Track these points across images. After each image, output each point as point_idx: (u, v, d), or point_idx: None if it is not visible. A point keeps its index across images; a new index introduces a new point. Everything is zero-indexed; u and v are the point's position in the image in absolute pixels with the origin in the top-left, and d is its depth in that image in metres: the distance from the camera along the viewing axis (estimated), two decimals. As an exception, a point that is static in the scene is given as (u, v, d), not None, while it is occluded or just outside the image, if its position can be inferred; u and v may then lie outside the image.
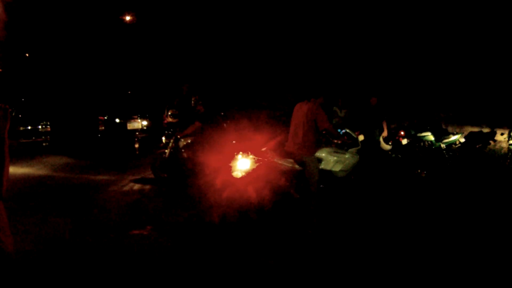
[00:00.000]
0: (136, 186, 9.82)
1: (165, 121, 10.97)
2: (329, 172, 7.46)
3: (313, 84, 7.61)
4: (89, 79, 25.05)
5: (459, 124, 14.25)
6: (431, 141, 11.22)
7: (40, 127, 32.20)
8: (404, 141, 11.34)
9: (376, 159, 10.90)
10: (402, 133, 11.45)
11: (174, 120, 10.63)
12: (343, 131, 8.30)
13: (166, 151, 10.26)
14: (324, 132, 6.96)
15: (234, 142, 8.40)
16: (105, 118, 20.80)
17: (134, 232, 6.11)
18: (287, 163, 7.21)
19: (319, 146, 7.30)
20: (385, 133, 11.33)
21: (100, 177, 11.10)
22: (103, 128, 20.81)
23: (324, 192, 7.47)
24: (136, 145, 11.12)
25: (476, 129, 13.30)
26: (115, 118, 20.39)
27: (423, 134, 11.42)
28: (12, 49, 26.72)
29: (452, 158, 10.87)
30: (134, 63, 27.72)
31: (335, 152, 7.44)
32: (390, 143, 11.39)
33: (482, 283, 4.42)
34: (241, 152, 7.06)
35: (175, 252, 5.34)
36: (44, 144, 21.43)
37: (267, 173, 6.93)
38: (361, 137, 9.83)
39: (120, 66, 27.53)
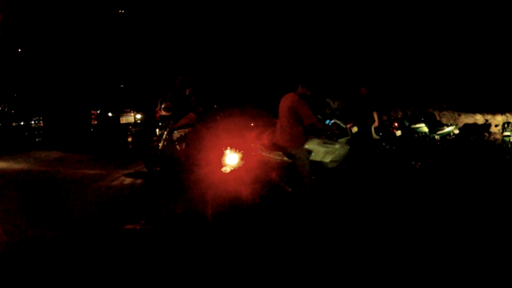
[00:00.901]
0: (128, 180, 9.77)
1: (158, 114, 10.95)
2: (319, 163, 7.43)
3: (292, 74, 7.57)
4: (81, 73, 25.00)
5: (454, 111, 14.29)
6: (425, 133, 11.25)
7: (32, 122, 32.00)
8: (398, 133, 11.33)
9: (370, 150, 10.84)
10: (396, 124, 11.45)
11: (168, 113, 10.61)
12: (332, 121, 8.28)
13: (159, 144, 10.21)
14: (309, 128, 6.96)
15: (224, 137, 8.39)
16: (98, 112, 20.75)
17: (128, 227, 6.10)
18: (276, 156, 7.16)
19: (308, 136, 7.22)
20: (375, 123, 11.26)
21: (91, 171, 11.05)
22: (95, 122, 20.75)
23: (315, 183, 7.35)
24: (129, 139, 11.12)
25: (470, 117, 13.36)
26: (108, 112, 20.36)
27: (417, 125, 11.45)
28: (3, 44, 26.68)
29: (446, 150, 10.89)
30: (127, 56, 27.68)
31: (324, 143, 7.39)
32: (380, 134, 11.37)
33: (476, 278, 4.39)
34: (229, 147, 7.08)
35: (170, 247, 5.32)
36: (37, 140, 21.38)
37: (255, 167, 6.89)
38: (354, 129, 9.73)
39: (113, 60, 27.47)
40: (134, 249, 5.22)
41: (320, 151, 7.37)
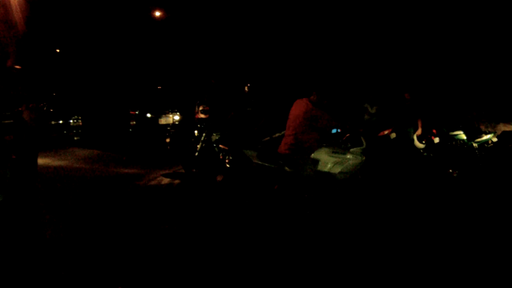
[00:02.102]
0: (166, 181, 9.99)
1: (196, 117, 11.17)
2: (327, 174, 7.11)
3: (309, 79, 7.45)
4: (121, 74, 25.45)
5: (491, 122, 14.11)
6: (463, 140, 11.15)
7: (71, 121, 32.87)
8: (436, 140, 11.23)
9: (408, 158, 10.76)
10: (434, 131, 11.37)
11: (205, 116, 10.82)
12: (339, 130, 7.80)
13: (197, 146, 10.42)
14: (315, 131, 6.78)
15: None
16: (136, 113, 21.21)
17: (165, 227, 6.29)
18: (272, 164, 6.97)
19: (318, 147, 7.03)
20: (419, 131, 11.06)
21: (129, 171, 11.34)
22: (134, 122, 21.19)
23: (320, 196, 7.15)
24: (167, 140, 11.34)
25: (509, 126, 13.20)
26: (147, 113, 20.77)
27: (455, 132, 11.35)
28: (42, 45, 27.28)
29: (484, 158, 10.79)
30: (165, 58, 28.02)
31: (334, 152, 7.09)
32: (423, 142, 11.25)
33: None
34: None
35: (210, 250, 5.41)
36: (75, 138, 21.93)
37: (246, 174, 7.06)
38: (393, 135, 9.70)
39: (151, 61, 27.87)
40: (174, 250, 5.35)
41: (329, 161, 7.07)
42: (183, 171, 10.75)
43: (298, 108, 6.86)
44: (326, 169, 7.03)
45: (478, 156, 10.76)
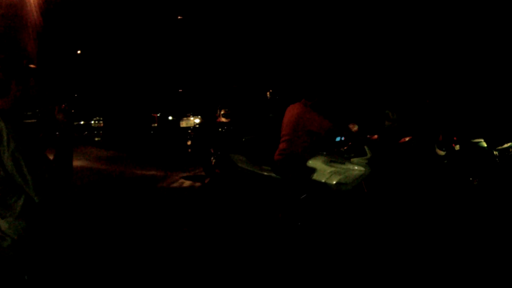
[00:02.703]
0: (187, 183, 10.16)
1: (218, 120, 11.30)
2: (323, 184, 6.63)
3: (308, 82, 7.03)
4: (143, 76, 25.73)
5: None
6: (484, 148, 11.12)
7: (92, 122, 33.35)
8: (457, 147, 11.17)
9: (428, 165, 10.71)
10: (455, 138, 11.32)
11: (226, 120, 10.95)
12: (342, 138, 7.47)
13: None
14: (324, 134, 6.47)
15: None
16: (158, 115, 21.45)
17: (185, 230, 6.46)
18: (259, 171, 6.79)
19: (313, 153, 6.66)
20: (440, 138, 10.97)
21: (151, 173, 11.53)
22: (156, 125, 21.43)
23: (312, 208, 6.67)
24: (189, 143, 11.50)
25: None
26: (168, 115, 20.99)
27: (477, 140, 11.33)
28: (64, 46, 27.69)
29: (505, 166, 10.72)
30: (187, 61, 28.23)
31: (332, 161, 6.68)
32: (444, 149, 11.17)
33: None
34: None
35: (231, 252, 5.63)
36: (96, 139, 22.26)
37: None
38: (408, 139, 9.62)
39: (174, 65, 28.09)
40: (197, 252, 5.59)
41: (326, 171, 6.61)
42: (204, 174, 10.77)
43: (291, 112, 6.68)
44: (322, 179, 6.61)
45: (499, 164, 10.71)
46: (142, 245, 5.81)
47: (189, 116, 19.50)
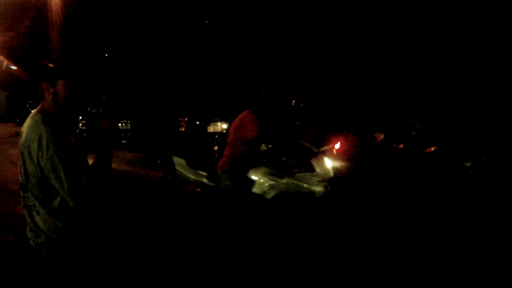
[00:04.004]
0: None
1: None
2: (260, 197, 6.34)
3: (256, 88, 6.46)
4: (171, 80, 26.09)
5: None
6: (509, 159, 11.06)
7: (119, 124, 33.92)
8: (482, 158, 11.13)
9: (454, 176, 10.71)
10: (480, 150, 11.27)
11: None
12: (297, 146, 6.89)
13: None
14: (245, 144, 5.82)
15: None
16: (186, 119, 21.74)
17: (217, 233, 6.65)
18: (192, 176, 6.71)
19: (254, 164, 6.29)
20: (466, 149, 10.99)
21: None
22: (183, 129, 21.72)
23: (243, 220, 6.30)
24: (215, 148, 11.63)
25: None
26: (196, 120, 21.28)
27: (502, 151, 11.28)
28: (92, 49, 28.27)
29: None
30: (216, 66, 28.52)
31: (271, 174, 6.35)
32: (470, 160, 11.13)
33: None
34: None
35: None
36: (123, 142, 22.59)
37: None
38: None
39: (202, 69, 28.41)
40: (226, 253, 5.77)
41: (265, 184, 6.31)
42: None
43: (237, 119, 6.13)
44: (260, 192, 6.31)
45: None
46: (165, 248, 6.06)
47: (216, 122, 19.67)
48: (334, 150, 8.33)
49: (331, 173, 6.50)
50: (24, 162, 2.67)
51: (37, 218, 2.67)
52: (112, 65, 28.91)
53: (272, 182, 6.30)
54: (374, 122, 11.83)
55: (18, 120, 42.07)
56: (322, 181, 6.32)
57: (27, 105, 43.57)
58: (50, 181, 2.55)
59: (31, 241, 2.75)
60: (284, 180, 6.30)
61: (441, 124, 11.42)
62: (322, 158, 6.59)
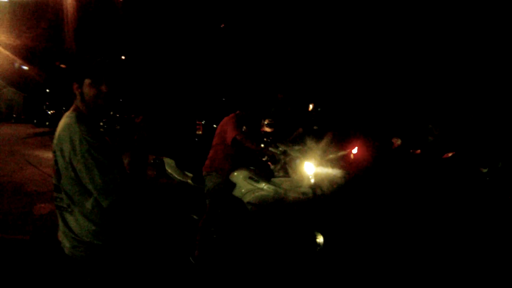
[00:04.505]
0: None
1: (261, 130, 11.52)
2: (239, 200, 6.35)
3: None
4: (188, 83, 26.25)
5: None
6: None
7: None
8: (499, 164, 11.08)
9: (471, 182, 10.66)
10: (498, 156, 11.24)
11: (270, 130, 11.15)
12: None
13: (262, 159, 10.69)
14: (230, 144, 6.01)
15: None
16: (203, 122, 21.87)
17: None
18: (178, 176, 6.88)
19: (235, 167, 6.34)
20: (482, 155, 10.93)
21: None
22: (200, 132, 21.87)
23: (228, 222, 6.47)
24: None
25: None
26: (213, 123, 21.39)
27: (519, 158, 11.25)
28: (109, 50, 28.56)
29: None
30: (232, 70, 28.61)
31: (250, 178, 6.30)
32: (487, 166, 11.06)
33: None
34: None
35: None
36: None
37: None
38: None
39: (218, 72, 28.54)
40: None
41: (243, 187, 6.29)
42: None
43: (221, 122, 6.33)
44: (238, 194, 6.32)
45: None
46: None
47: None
48: (352, 155, 8.45)
49: (312, 180, 6.26)
50: (56, 163, 2.65)
51: (70, 220, 2.67)
52: (129, 68, 29.15)
53: (249, 186, 6.26)
54: (392, 127, 11.84)
55: (35, 121, 42.61)
56: (299, 187, 6.23)
57: (44, 107, 44.08)
58: (83, 181, 2.54)
59: (62, 244, 2.75)
60: (261, 185, 6.23)
61: (458, 129, 11.40)
62: (301, 164, 6.35)
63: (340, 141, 10.00)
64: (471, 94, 16.54)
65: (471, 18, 17.57)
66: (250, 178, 6.29)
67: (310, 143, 7.52)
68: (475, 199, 9.70)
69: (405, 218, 7.78)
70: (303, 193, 6.19)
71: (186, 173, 7.09)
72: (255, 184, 6.23)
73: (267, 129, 10.98)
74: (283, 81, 23.04)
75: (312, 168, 6.25)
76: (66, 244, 2.70)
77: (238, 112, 6.34)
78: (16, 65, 52.94)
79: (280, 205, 6.17)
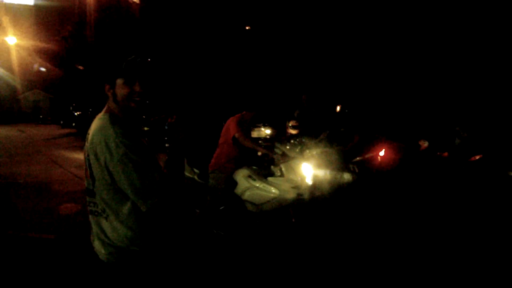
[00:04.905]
0: None
1: (286, 131, 11.54)
2: (239, 199, 6.57)
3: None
4: (214, 82, 26.39)
5: None
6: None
7: (166, 127, 34.63)
8: None
9: (498, 186, 10.47)
10: None
11: (295, 132, 11.17)
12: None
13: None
14: (232, 142, 6.42)
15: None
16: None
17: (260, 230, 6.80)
18: (188, 173, 7.02)
19: (238, 166, 6.60)
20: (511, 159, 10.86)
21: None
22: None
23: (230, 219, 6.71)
24: (259, 153, 11.71)
25: None
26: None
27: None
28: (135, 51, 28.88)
29: None
30: (257, 71, 28.67)
31: (249, 176, 6.49)
32: None
33: None
34: None
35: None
36: (166, 145, 22.97)
37: None
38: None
39: (243, 73, 28.62)
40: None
41: (242, 185, 6.50)
42: None
43: (227, 122, 6.72)
44: (238, 192, 6.53)
45: None
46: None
47: (259, 127, 19.72)
48: (379, 157, 8.49)
49: (308, 181, 6.44)
50: (90, 166, 2.59)
51: (104, 226, 2.63)
52: (158, 68, 29.41)
53: (247, 184, 6.43)
54: (419, 129, 11.80)
55: (61, 122, 43.19)
56: (295, 187, 6.31)
57: (71, 108, 44.60)
58: (120, 185, 2.48)
59: (96, 249, 2.72)
60: (257, 183, 6.38)
61: (487, 132, 11.30)
62: (297, 164, 6.53)
63: (367, 143, 10.01)
64: (500, 96, 16.41)
65: (505, 18, 17.47)
66: (249, 176, 6.47)
67: (326, 145, 7.56)
68: (503, 203, 9.62)
69: (429, 221, 7.73)
70: (298, 194, 6.28)
71: (194, 169, 7.24)
72: (252, 182, 6.39)
73: (292, 131, 11.00)
74: (308, 82, 23.05)
75: (309, 170, 6.47)
76: (101, 250, 2.66)
77: (244, 112, 6.72)
78: (41, 67, 53.83)
79: (275, 204, 6.31)
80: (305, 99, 11.41)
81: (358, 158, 9.38)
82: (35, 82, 62.94)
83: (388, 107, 18.47)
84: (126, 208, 2.56)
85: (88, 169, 2.61)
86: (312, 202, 6.50)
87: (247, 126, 6.70)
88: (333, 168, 7.05)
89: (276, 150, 6.83)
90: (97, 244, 2.70)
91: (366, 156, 8.84)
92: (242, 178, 6.50)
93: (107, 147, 2.43)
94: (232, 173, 6.59)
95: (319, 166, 6.75)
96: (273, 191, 6.27)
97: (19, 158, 16.68)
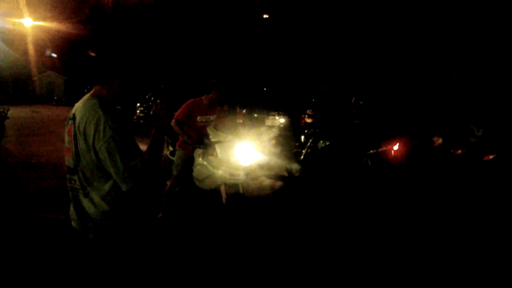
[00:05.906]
0: (267, 182, 10.56)
1: (303, 121, 11.59)
2: (192, 175, 6.95)
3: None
4: (229, 71, 26.45)
5: None
6: None
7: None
8: None
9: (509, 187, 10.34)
10: None
11: (310, 120, 11.25)
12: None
13: (302, 151, 10.74)
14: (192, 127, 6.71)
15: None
16: (244, 111, 21.97)
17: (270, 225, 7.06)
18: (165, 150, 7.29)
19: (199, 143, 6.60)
20: None
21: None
22: (241, 121, 22.03)
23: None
24: (273, 142, 11.75)
25: None
26: (254, 113, 21.42)
27: None
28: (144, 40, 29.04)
29: None
30: (273, 60, 28.69)
31: (199, 155, 6.79)
32: None
33: None
34: None
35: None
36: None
37: None
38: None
39: (258, 62, 28.65)
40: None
41: (195, 163, 6.85)
42: (285, 174, 11.12)
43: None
44: (193, 169, 6.87)
45: None
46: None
47: (274, 115, 19.80)
48: (392, 151, 8.59)
49: (245, 163, 6.57)
50: (76, 145, 2.76)
51: (84, 202, 2.81)
52: (167, 56, 29.49)
53: (196, 162, 6.78)
54: (433, 125, 11.81)
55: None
56: (230, 168, 6.46)
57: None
58: (104, 165, 2.67)
59: (73, 223, 2.95)
60: (199, 161, 6.69)
61: (502, 131, 11.22)
62: (230, 147, 6.59)
63: (382, 137, 10.16)
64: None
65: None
66: (199, 155, 6.74)
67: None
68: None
69: (432, 220, 7.77)
70: (231, 174, 6.45)
71: (170, 147, 7.69)
72: (199, 160, 6.69)
73: (308, 120, 11.09)
74: (328, 74, 23.12)
75: (243, 152, 6.60)
76: (79, 224, 2.89)
77: (204, 96, 6.94)
78: (57, 49, 54.19)
79: (210, 181, 6.59)
80: (324, 90, 11.48)
81: (372, 151, 9.49)
82: (50, 64, 63.25)
83: (404, 102, 18.47)
84: (107, 185, 2.75)
85: (74, 148, 2.78)
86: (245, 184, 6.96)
87: (199, 110, 6.86)
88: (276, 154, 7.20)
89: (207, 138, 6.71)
90: (75, 218, 2.93)
91: (380, 149, 8.92)
92: (196, 156, 6.80)
93: (96, 128, 2.63)
94: (193, 152, 6.88)
95: (255, 148, 6.90)
96: (210, 169, 6.51)
97: (32, 139, 17.12)
